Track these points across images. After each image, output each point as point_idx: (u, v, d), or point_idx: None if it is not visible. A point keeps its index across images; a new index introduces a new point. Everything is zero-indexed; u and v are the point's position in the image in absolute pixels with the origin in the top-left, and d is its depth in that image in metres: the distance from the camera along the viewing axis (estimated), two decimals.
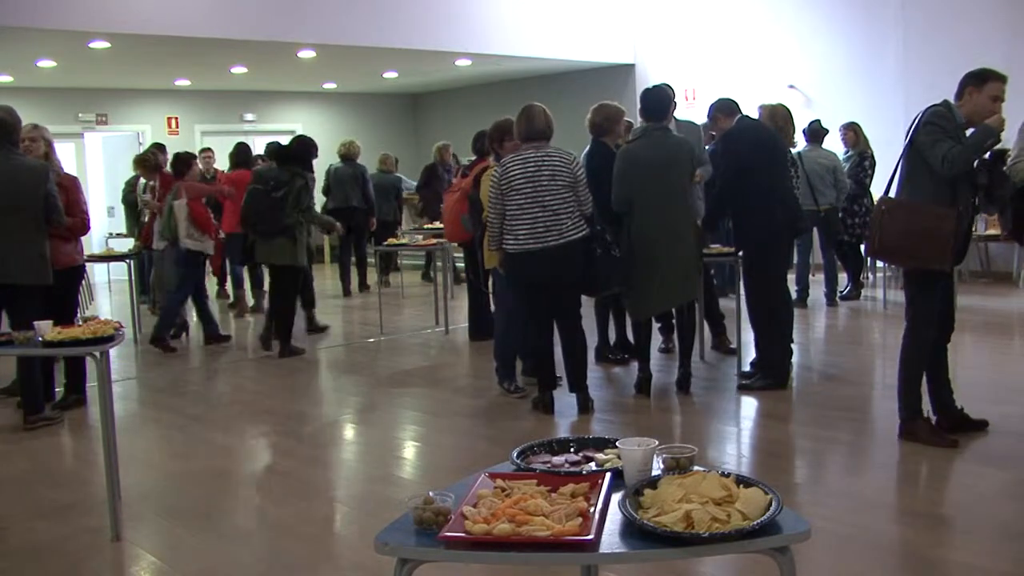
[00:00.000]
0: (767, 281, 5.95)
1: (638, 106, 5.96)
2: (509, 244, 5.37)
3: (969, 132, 4.46)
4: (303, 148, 7.72)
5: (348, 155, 11.49)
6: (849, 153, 9.39)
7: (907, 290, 4.75)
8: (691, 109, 11.44)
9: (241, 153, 10.05)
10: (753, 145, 5.92)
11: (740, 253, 6.27)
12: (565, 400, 5.71)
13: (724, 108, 6.23)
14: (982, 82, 4.49)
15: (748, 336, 6.95)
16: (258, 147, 13.49)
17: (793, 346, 6.25)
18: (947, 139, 4.39)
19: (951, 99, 4.57)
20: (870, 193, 9.27)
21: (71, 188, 5.78)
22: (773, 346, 5.99)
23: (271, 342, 7.86)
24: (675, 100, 6.62)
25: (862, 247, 9.76)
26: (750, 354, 6.72)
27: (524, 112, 5.44)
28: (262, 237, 7.51)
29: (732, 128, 6.05)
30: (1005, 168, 4.49)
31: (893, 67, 11.19)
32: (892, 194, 4.68)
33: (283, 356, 7.68)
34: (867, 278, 10.39)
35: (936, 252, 4.44)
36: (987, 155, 4.50)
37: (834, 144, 9.38)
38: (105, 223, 13.91)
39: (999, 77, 4.51)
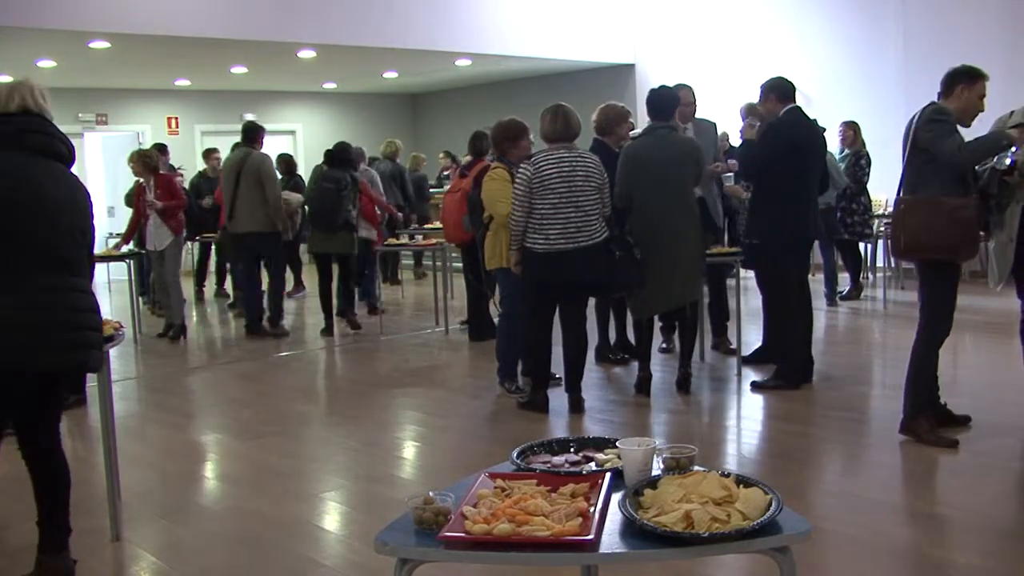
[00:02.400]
0: (786, 285, 5.86)
1: (640, 106, 5.94)
2: (538, 244, 5.30)
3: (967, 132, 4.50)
4: (344, 151, 8.72)
5: (390, 155, 11.82)
6: (845, 152, 9.38)
7: (923, 287, 4.72)
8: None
9: None
10: (799, 143, 5.68)
11: (749, 253, 6.18)
12: (560, 400, 5.71)
13: (779, 90, 5.77)
14: (973, 80, 4.56)
15: (748, 336, 6.96)
16: None
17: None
18: (956, 133, 4.43)
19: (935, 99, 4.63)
20: (867, 191, 9.29)
21: None
22: (793, 349, 5.93)
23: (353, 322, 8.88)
24: (695, 102, 6.63)
25: (861, 245, 9.78)
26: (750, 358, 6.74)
27: (559, 112, 5.37)
28: (325, 231, 8.43)
29: (779, 120, 5.72)
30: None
31: (893, 67, 11.19)
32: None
33: (354, 329, 8.84)
34: (867, 278, 10.39)
35: (961, 241, 4.46)
36: (1008, 161, 4.51)
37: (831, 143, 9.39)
38: (105, 223, 13.88)
39: (986, 76, 4.60)
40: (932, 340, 4.67)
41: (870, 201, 9.42)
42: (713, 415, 5.71)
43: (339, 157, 8.56)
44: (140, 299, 9.71)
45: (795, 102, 5.80)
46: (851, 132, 9.39)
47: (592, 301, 6.61)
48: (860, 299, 9.56)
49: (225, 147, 10.72)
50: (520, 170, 5.36)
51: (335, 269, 8.82)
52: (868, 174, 9.24)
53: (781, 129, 5.71)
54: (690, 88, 6.59)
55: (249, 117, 16.01)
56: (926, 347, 4.68)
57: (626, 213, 5.66)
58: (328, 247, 8.53)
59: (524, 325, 5.81)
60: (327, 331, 8.67)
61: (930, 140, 4.46)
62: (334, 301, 8.79)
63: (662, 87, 5.96)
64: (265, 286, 8.87)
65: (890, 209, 9.31)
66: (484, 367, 6.86)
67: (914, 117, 4.60)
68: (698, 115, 6.81)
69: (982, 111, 4.60)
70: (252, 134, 8.67)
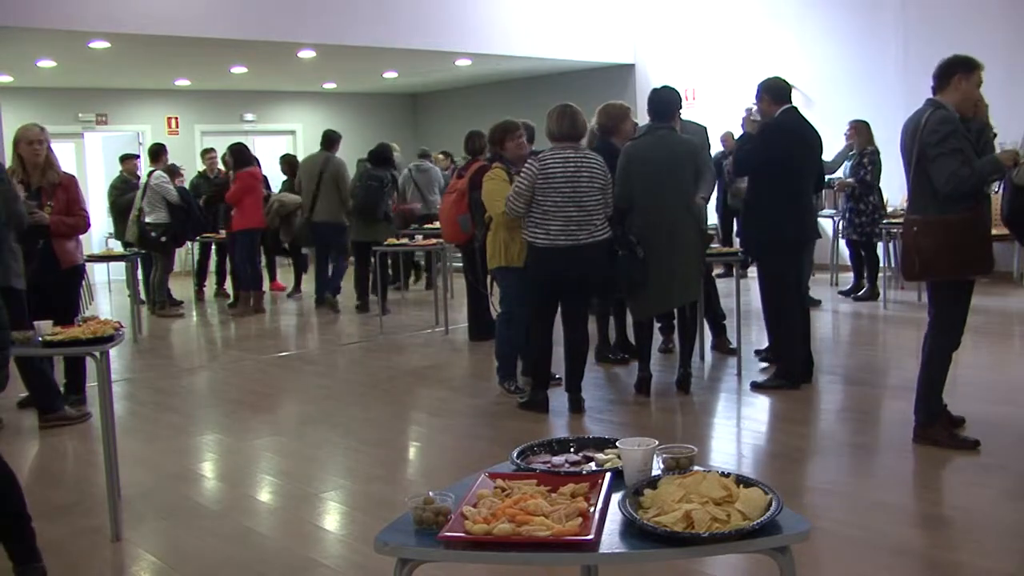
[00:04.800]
0: (785, 285, 5.85)
1: (640, 106, 5.92)
2: (539, 238, 5.33)
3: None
4: (385, 152, 9.94)
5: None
6: (852, 151, 9.35)
7: (934, 297, 4.67)
8: (691, 109, 11.41)
9: (242, 153, 10.07)
10: (795, 144, 5.67)
11: (749, 252, 6.15)
12: (560, 400, 5.71)
13: (774, 90, 5.75)
14: (971, 70, 4.47)
15: (748, 336, 6.96)
16: (258, 147, 13.53)
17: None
18: (953, 154, 4.31)
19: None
20: (878, 190, 9.25)
21: (69, 187, 5.79)
22: (791, 349, 5.93)
23: (375, 304, 9.66)
24: (681, 101, 6.61)
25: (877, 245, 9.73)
26: (750, 356, 6.74)
27: (565, 112, 5.38)
28: (369, 223, 9.64)
29: (775, 121, 5.71)
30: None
31: (893, 67, 11.19)
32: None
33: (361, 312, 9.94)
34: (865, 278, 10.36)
35: (976, 257, 4.40)
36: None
37: (831, 144, 9.36)
38: (105, 223, 13.88)
39: (982, 65, 4.52)
40: (946, 349, 4.63)
41: (882, 200, 9.39)
42: (713, 415, 5.71)
43: (381, 157, 9.81)
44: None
45: (791, 102, 5.79)
46: (853, 131, 9.32)
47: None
48: (870, 300, 9.48)
49: (223, 147, 10.75)
50: (527, 165, 5.38)
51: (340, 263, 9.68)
52: (872, 173, 9.18)
53: (776, 132, 5.71)
54: (675, 89, 6.57)
55: (249, 117, 16.12)
56: (939, 356, 4.64)
57: (626, 213, 5.66)
58: (370, 235, 9.58)
59: (523, 325, 5.82)
60: (362, 308, 9.93)
61: (929, 157, 4.37)
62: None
63: (663, 87, 5.95)
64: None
65: (891, 208, 9.25)
66: (484, 367, 6.86)
67: (918, 121, 4.47)
68: (695, 116, 6.78)
69: (979, 99, 4.54)
70: (330, 141, 10.09)
